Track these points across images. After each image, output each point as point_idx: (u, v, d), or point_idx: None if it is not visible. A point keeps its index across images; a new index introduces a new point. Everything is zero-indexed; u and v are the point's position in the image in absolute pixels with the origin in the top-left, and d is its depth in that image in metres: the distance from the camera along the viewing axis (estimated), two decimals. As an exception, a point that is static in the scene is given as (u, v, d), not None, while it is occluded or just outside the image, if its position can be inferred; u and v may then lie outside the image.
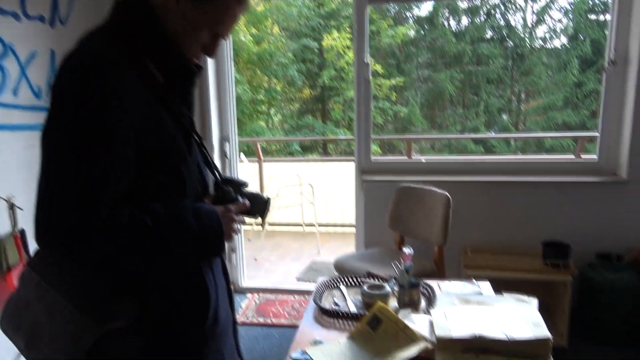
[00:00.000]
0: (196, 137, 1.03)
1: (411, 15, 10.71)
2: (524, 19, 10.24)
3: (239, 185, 1.10)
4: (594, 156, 2.85)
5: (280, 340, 2.72)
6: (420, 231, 2.58)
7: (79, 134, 0.81)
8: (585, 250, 2.62)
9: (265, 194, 1.18)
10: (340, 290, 1.78)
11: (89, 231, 0.80)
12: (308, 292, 3.34)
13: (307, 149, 10.32)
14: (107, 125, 0.82)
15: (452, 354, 1.29)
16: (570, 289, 2.42)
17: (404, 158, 3.56)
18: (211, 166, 1.07)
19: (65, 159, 0.81)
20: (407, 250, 1.63)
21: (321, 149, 10.66)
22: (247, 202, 1.08)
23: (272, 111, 11.17)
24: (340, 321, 1.55)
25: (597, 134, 2.84)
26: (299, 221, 4.98)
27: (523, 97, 11.02)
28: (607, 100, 2.74)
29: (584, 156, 3.08)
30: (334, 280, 1.82)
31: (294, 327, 2.84)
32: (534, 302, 1.62)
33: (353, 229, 4.99)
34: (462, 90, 10.56)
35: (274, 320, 2.93)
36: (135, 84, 0.87)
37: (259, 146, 5.22)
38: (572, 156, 3.13)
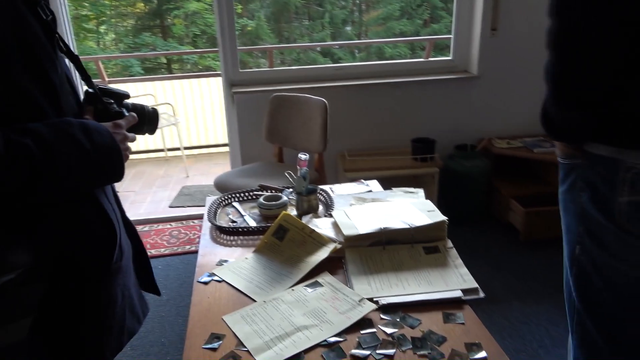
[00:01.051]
0: (60, 41, 0.81)
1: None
2: None
3: (120, 97, 0.91)
4: (449, 57, 3.04)
5: (166, 270, 2.57)
6: (299, 140, 2.55)
7: None
8: (446, 143, 2.87)
9: (150, 106, 1.00)
10: (234, 206, 1.69)
11: None
12: (185, 218, 3.18)
13: (149, 71, 9.42)
14: None
15: (361, 250, 1.32)
16: (437, 179, 2.66)
17: (268, 69, 3.41)
18: (86, 75, 0.85)
19: None
20: (302, 156, 1.57)
21: (165, 70, 9.84)
22: (134, 115, 0.90)
23: (103, 29, 9.82)
24: (242, 238, 1.48)
25: (451, 37, 3.02)
26: (160, 146, 4.61)
27: (364, 7, 11.29)
28: (459, 6, 2.88)
29: (440, 58, 3.27)
30: (225, 198, 1.71)
31: (177, 255, 2.70)
32: (420, 192, 1.73)
33: (221, 149, 4.83)
34: (307, 2, 10.41)
35: (154, 252, 2.75)
36: None
37: (100, 65, 4.56)
38: (419, 60, 3.32)
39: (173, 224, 3.10)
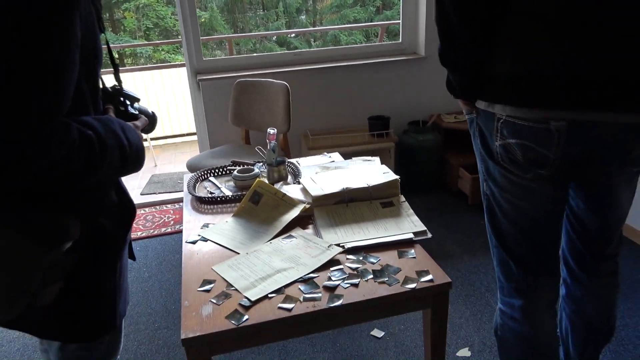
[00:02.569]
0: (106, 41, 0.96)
1: None
2: None
3: (133, 100, 1.07)
4: (398, 41, 3.27)
5: (145, 251, 2.70)
6: (264, 122, 2.72)
7: (39, 40, 0.70)
8: (400, 120, 3.11)
9: (150, 109, 1.17)
10: (211, 181, 1.86)
11: (48, 146, 0.72)
12: (158, 203, 3.30)
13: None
14: (67, 24, 0.73)
15: (327, 208, 1.53)
16: (393, 153, 2.90)
17: (232, 57, 3.54)
18: (116, 71, 1.00)
19: (19, 63, 0.70)
20: (271, 130, 1.75)
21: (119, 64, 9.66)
22: (146, 118, 1.07)
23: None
24: (220, 206, 1.65)
25: (399, 22, 3.24)
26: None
27: (317, -5, 11.40)
28: (406, -11, 3.11)
29: (388, 42, 3.49)
30: (202, 173, 1.87)
31: (153, 237, 2.83)
32: (377, 159, 1.95)
33: (186, 139, 4.93)
34: (261, -8, 10.45)
35: (132, 235, 2.86)
36: None
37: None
38: (360, 44, 3.55)
39: (147, 209, 3.22)
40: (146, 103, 4.25)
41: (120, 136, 0.90)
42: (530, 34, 0.91)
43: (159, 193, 3.52)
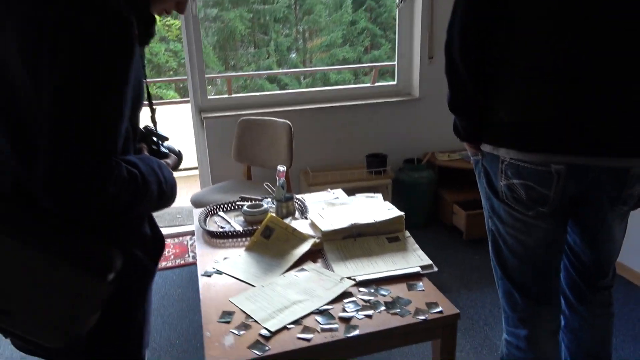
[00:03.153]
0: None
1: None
2: None
3: (163, 139, 1.15)
4: (393, 82, 3.43)
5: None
6: (266, 159, 2.81)
7: (104, 86, 0.78)
8: (396, 157, 3.23)
9: (177, 148, 1.25)
10: (220, 216, 1.92)
11: (106, 183, 0.80)
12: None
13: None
14: (123, 77, 0.81)
15: (336, 242, 1.60)
16: (390, 189, 3.00)
17: (236, 95, 3.67)
18: (153, 113, 1.08)
19: (88, 106, 0.77)
20: (281, 168, 1.84)
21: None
22: (175, 157, 1.15)
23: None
24: (231, 240, 1.71)
25: (394, 63, 3.42)
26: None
27: (307, 35, 11.79)
28: (400, 34, 3.29)
29: (385, 83, 3.65)
30: (212, 208, 1.94)
31: (164, 269, 2.85)
32: (379, 196, 2.04)
33: (182, 174, 4.98)
34: (252, 30, 10.77)
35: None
36: None
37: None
38: (369, 84, 3.70)
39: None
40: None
41: (158, 173, 0.97)
42: (531, 86, 1.03)
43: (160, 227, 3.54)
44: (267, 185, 1.99)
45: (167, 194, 1.00)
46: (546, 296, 1.22)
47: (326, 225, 1.63)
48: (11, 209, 0.90)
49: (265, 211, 1.84)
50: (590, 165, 1.03)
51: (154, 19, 1.00)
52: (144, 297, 1.09)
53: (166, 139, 1.18)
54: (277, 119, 2.76)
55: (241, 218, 1.86)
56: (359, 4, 10.48)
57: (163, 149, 1.15)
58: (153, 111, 1.11)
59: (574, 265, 1.30)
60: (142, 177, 0.90)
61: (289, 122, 2.68)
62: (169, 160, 1.12)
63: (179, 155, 1.22)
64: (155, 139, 1.14)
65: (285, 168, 1.84)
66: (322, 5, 10.66)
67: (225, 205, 1.96)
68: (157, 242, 1.10)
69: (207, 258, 1.59)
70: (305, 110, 3.12)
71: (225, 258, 1.57)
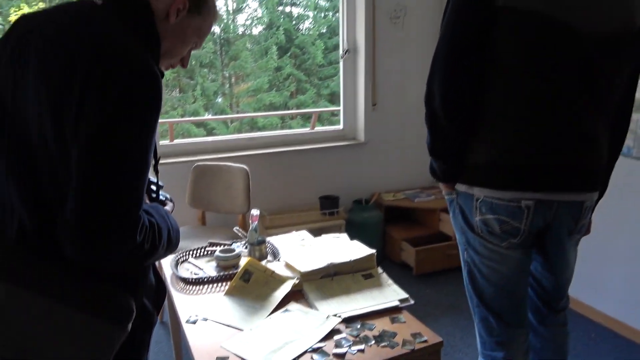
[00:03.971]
0: None
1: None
2: (227, 6, 11.02)
3: (159, 187, 1.18)
4: (340, 127, 3.61)
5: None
6: (222, 204, 2.82)
7: (138, 139, 0.82)
8: (347, 198, 3.36)
9: (169, 195, 1.27)
10: (191, 262, 1.91)
11: (135, 231, 0.82)
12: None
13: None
14: (153, 130, 0.85)
15: (315, 281, 1.66)
16: (344, 229, 3.10)
17: (182, 141, 3.64)
18: (156, 162, 1.10)
19: (123, 155, 0.80)
20: (254, 212, 1.88)
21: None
22: (172, 204, 1.18)
23: None
24: (208, 286, 1.71)
25: (340, 108, 3.61)
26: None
27: (234, 80, 11.96)
28: (345, 82, 3.51)
29: (331, 127, 3.82)
30: (181, 255, 1.92)
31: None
32: (344, 235, 2.13)
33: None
34: (178, 74, 10.77)
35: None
36: None
37: None
38: (308, 129, 3.86)
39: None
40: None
41: (167, 221, 1.00)
42: (503, 132, 1.19)
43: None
44: (237, 229, 2.01)
45: (173, 242, 1.03)
46: (519, 320, 1.36)
47: (304, 266, 1.69)
48: (20, 257, 0.88)
49: (238, 255, 1.86)
50: (554, 200, 1.20)
51: (162, 73, 1.06)
52: (147, 347, 1.09)
53: (161, 187, 1.21)
54: (233, 164, 2.80)
55: (213, 263, 1.86)
56: (284, 51, 10.85)
57: (162, 197, 1.17)
58: (157, 160, 1.14)
59: (536, 290, 1.46)
60: (157, 226, 0.93)
61: (246, 167, 2.73)
62: (168, 208, 1.15)
63: (173, 203, 1.24)
64: (154, 187, 1.16)
65: (258, 212, 1.88)
66: (248, 52, 10.93)
67: (196, 252, 1.95)
68: (160, 290, 1.11)
69: (186, 306, 1.58)
70: (258, 155, 3.19)
71: (205, 304, 1.57)
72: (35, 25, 0.91)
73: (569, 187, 1.21)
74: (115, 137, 0.81)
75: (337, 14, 3.57)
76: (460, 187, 1.30)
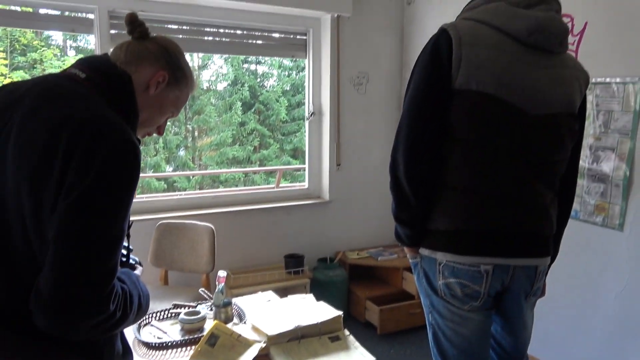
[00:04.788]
0: None
1: (75, 46, 10.19)
2: (192, 62, 11.24)
3: (129, 251, 1.19)
4: (305, 185, 3.69)
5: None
6: (186, 263, 2.78)
7: (115, 206, 0.84)
8: (311, 257, 3.38)
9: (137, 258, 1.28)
10: (153, 325, 1.86)
11: (109, 301, 0.82)
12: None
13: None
14: (131, 199, 0.87)
15: (282, 345, 1.65)
16: (309, 288, 3.10)
17: (151, 196, 3.60)
18: (129, 227, 1.11)
19: (101, 225, 0.81)
20: (221, 273, 1.88)
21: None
22: (142, 268, 1.19)
23: None
24: (171, 351, 1.66)
25: (305, 166, 3.70)
26: None
27: (197, 134, 12.02)
28: (311, 142, 3.62)
29: (296, 185, 3.89)
30: (143, 318, 1.87)
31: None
32: (310, 296, 2.14)
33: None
34: (138, 127, 10.72)
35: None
36: None
37: None
38: (273, 187, 3.90)
39: None
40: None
41: (138, 286, 1.01)
42: (463, 200, 1.28)
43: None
44: (202, 291, 1.99)
45: (143, 308, 1.03)
46: (480, 379, 1.40)
47: (271, 329, 1.68)
48: None
49: (204, 318, 1.82)
50: (511, 265, 1.28)
51: (139, 141, 1.09)
52: None
53: (131, 250, 1.21)
54: (199, 223, 2.79)
55: (178, 326, 1.82)
56: (248, 106, 11.05)
57: (132, 261, 1.18)
58: (129, 225, 1.16)
59: (496, 351, 1.51)
60: (129, 293, 0.94)
61: (211, 226, 2.73)
62: (137, 272, 1.15)
63: (142, 266, 1.25)
64: (124, 250, 1.17)
65: (225, 274, 1.88)
66: (212, 106, 11.07)
67: (158, 314, 1.91)
68: (127, 355, 1.09)
69: (148, 373, 1.53)
70: (222, 213, 3.19)
71: (169, 371, 1.52)
72: (16, 99, 0.93)
73: (525, 252, 1.30)
74: (94, 206, 0.83)
75: (301, 73, 3.73)
76: (424, 252, 1.36)
